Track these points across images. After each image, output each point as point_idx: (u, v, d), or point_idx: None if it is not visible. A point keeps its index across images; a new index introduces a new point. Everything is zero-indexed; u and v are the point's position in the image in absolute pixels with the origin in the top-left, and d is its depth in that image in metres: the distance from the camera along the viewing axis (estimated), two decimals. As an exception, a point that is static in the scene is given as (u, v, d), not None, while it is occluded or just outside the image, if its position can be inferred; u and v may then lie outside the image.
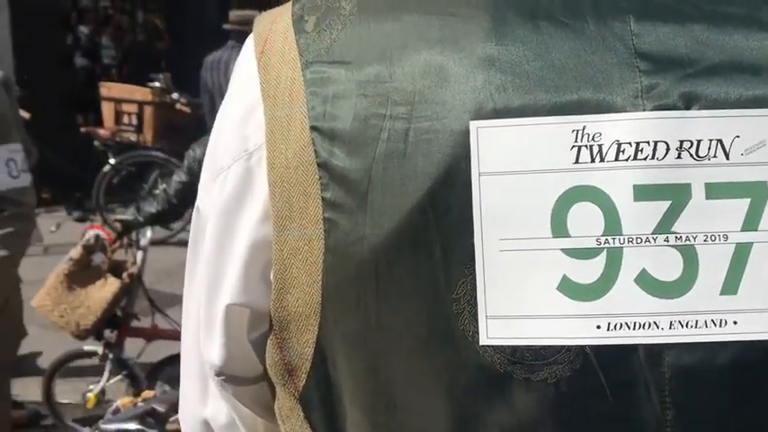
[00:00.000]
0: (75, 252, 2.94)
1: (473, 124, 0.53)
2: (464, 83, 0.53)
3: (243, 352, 0.62)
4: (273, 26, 0.60)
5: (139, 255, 3.06)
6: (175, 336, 3.15)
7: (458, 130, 0.53)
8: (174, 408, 1.35)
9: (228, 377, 0.63)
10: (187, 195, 2.74)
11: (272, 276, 0.58)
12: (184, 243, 3.48)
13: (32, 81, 5.10)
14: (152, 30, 9.18)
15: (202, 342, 0.63)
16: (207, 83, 5.16)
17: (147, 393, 1.44)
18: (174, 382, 3.04)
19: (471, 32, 0.55)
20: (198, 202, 0.65)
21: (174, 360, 3.16)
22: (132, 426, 1.27)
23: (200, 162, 2.66)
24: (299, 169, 0.55)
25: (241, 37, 5.15)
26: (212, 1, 8.26)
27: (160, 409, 1.35)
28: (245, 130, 0.60)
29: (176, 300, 4.31)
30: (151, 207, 2.77)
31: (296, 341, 0.57)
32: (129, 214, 2.87)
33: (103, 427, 1.30)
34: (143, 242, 3.08)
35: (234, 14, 5.33)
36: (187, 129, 6.19)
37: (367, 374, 0.56)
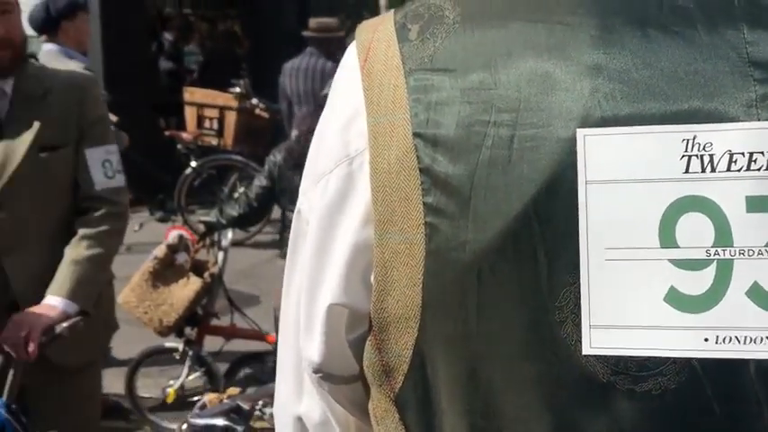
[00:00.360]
0: (160, 251, 3.05)
1: (580, 132, 0.53)
2: (571, 90, 0.53)
3: (341, 351, 0.64)
4: (376, 34, 0.62)
5: (220, 255, 3.15)
6: (253, 335, 3.23)
7: (564, 138, 0.53)
8: (265, 404, 1.39)
9: (326, 375, 0.65)
10: (267, 200, 2.81)
11: (372, 279, 0.59)
12: (260, 245, 3.61)
13: (120, 86, 5.34)
14: (232, 36, 9.44)
15: (302, 339, 0.65)
16: (285, 89, 5.26)
17: (232, 391, 1.48)
18: (251, 380, 3.11)
19: (578, 40, 0.55)
20: (299, 205, 0.67)
21: (251, 359, 3.24)
22: (219, 421, 1.31)
23: (280, 167, 2.72)
24: (401, 174, 0.57)
25: (319, 44, 5.24)
26: (291, 8, 8.43)
27: (244, 406, 1.38)
28: (347, 136, 0.61)
29: (252, 300, 4.42)
30: (233, 210, 2.85)
31: (394, 343, 0.58)
32: (211, 216, 2.96)
33: (192, 421, 1.35)
34: (224, 243, 3.17)
35: (313, 22, 5.43)
36: (265, 133, 6.34)
37: (466, 378, 0.56)
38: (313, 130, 2.41)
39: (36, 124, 1.82)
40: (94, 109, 1.92)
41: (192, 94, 6.42)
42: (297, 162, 2.69)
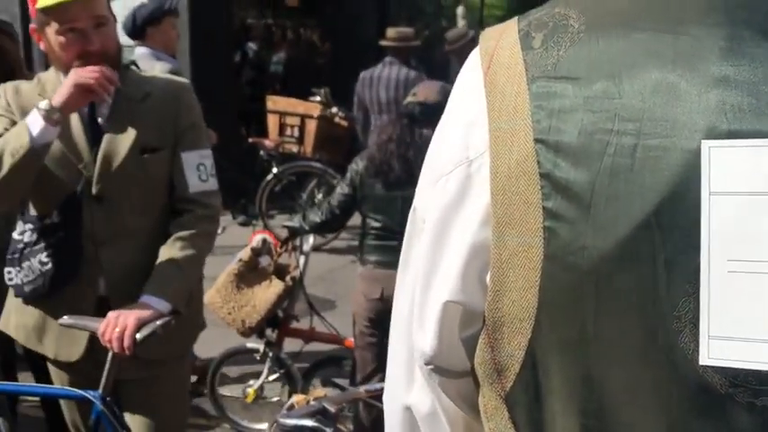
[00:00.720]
0: (245, 254, 3.14)
1: (705, 144, 0.52)
2: (696, 102, 0.53)
3: (453, 347, 0.66)
4: (500, 42, 0.63)
5: (302, 259, 3.21)
6: (331, 339, 3.27)
7: (688, 149, 0.53)
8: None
9: (437, 368, 0.66)
10: (349, 207, 2.84)
11: (488, 279, 0.60)
12: (336, 251, 3.65)
13: (206, 94, 5.51)
14: (312, 45, 9.62)
15: (415, 332, 0.67)
16: (362, 98, 5.33)
17: (318, 393, 1.51)
18: (328, 383, 3.15)
19: (705, 51, 0.55)
20: (415, 203, 0.69)
21: (329, 362, 3.28)
22: (308, 422, 1.34)
23: (362, 175, 2.75)
24: (521, 179, 0.58)
25: (397, 53, 5.29)
26: (371, 17, 8.53)
27: (331, 408, 1.41)
28: (467, 139, 0.63)
29: (328, 304, 4.47)
30: (316, 216, 2.90)
31: (507, 342, 0.59)
32: (294, 222, 3.02)
33: (281, 421, 1.38)
34: (306, 248, 3.23)
35: (391, 31, 5.48)
36: (343, 141, 6.43)
37: (580, 381, 0.57)
38: (394, 138, 2.44)
39: (136, 127, 1.90)
40: (190, 114, 1.99)
41: (275, 102, 6.57)
42: (378, 170, 2.72)
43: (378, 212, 2.72)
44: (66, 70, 1.84)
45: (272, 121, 6.51)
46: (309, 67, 9.04)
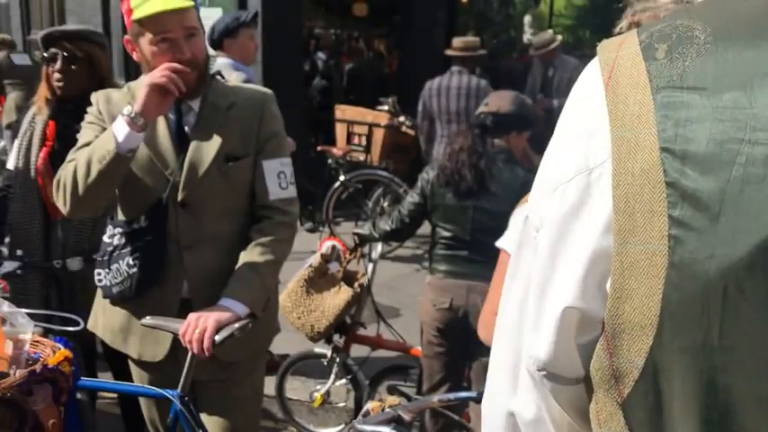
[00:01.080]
0: (315, 260, 3.19)
1: None
2: None
3: (569, 353, 0.66)
4: (620, 53, 0.64)
5: (370, 267, 3.24)
6: (398, 347, 3.29)
7: None
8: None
9: (550, 374, 0.67)
10: (419, 216, 2.85)
11: (608, 285, 0.61)
12: (401, 259, 3.65)
13: (277, 103, 5.62)
14: (380, 55, 9.69)
15: (528, 337, 0.68)
16: (429, 107, 5.34)
17: (393, 401, 1.52)
18: (394, 391, 3.17)
19: None
20: (526, 212, 0.71)
21: (395, 370, 3.30)
22: (384, 429, 1.36)
23: (432, 184, 2.76)
24: (645, 187, 0.58)
25: (463, 62, 5.29)
26: (439, 27, 8.54)
27: (406, 416, 1.42)
28: (587, 148, 0.64)
29: (393, 312, 4.49)
30: (386, 225, 2.92)
31: (627, 349, 0.60)
32: (364, 229, 3.05)
33: (358, 427, 1.41)
34: (374, 256, 3.26)
35: (456, 41, 5.49)
36: (410, 150, 6.45)
37: (703, 389, 0.57)
38: (465, 148, 2.44)
39: (221, 135, 1.97)
40: (272, 123, 2.04)
41: (343, 111, 6.65)
42: (449, 179, 2.72)
43: (448, 222, 2.73)
44: None
45: (340, 130, 6.59)
46: (377, 77, 9.11)
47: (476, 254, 2.68)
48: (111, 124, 1.93)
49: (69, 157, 1.96)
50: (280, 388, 3.44)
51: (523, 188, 2.54)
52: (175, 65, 1.82)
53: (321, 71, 8.62)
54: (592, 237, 0.63)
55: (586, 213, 0.63)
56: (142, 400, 2.22)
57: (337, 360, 3.32)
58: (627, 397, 0.60)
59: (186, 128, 1.99)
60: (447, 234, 2.74)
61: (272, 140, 2.03)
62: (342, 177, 6.08)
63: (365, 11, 9.17)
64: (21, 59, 7.62)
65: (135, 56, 1.94)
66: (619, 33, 0.77)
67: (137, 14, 1.84)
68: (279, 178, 2.02)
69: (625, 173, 0.60)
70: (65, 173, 1.90)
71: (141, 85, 1.86)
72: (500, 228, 2.24)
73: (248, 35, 3.71)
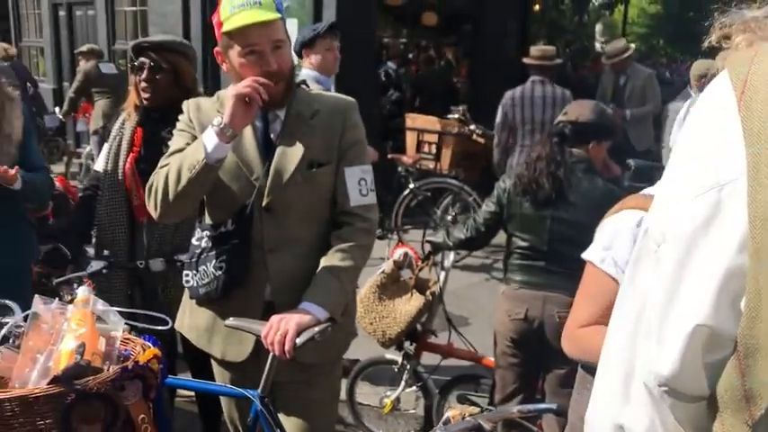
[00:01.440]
0: (388, 266, 3.21)
1: None
2: None
3: (695, 371, 0.65)
4: (752, 68, 0.63)
5: (442, 275, 3.24)
6: (469, 356, 3.27)
7: None
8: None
9: (672, 390, 0.66)
10: (495, 225, 2.83)
11: (742, 304, 0.60)
12: (470, 268, 3.63)
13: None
14: (449, 64, 9.70)
15: (648, 351, 0.67)
16: (511, 117, 5.31)
17: (472, 410, 1.52)
18: (464, 400, 3.15)
19: None
20: (646, 225, 0.70)
21: (466, 379, 3.28)
22: (467, 437, 1.36)
23: (509, 193, 2.74)
24: None
25: (542, 71, 5.25)
26: (510, 36, 8.48)
27: (486, 426, 1.42)
28: (717, 163, 0.63)
29: (461, 321, 4.47)
30: (460, 233, 2.91)
31: (761, 369, 0.59)
32: (438, 237, 3.05)
33: (440, 433, 1.41)
34: (446, 264, 3.26)
35: (535, 50, 5.45)
36: (480, 158, 6.43)
37: None
38: (543, 157, 2.41)
39: (305, 143, 2.01)
40: (354, 131, 2.08)
41: (413, 119, 6.68)
42: (526, 188, 2.70)
43: (525, 231, 2.71)
44: None
45: (410, 138, 6.62)
46: (446, 86, 9.12)
47: (553, 264, 2.64)
48: (200, 132, 2.00)
49: (161, 163, 2.04)
50: (350, 392, 3.47)
51: (604, 199, 2.49)
52: (260, 78, 1.87)
53: (391, 80, 8.68)
54: (725, 254, 0.61)
55: (717, 230, 0.62)
56: (223, 399, 2.27)
57: (408, 367, 3.32)
58: (758, 419, 0.59)
59: (272, 135, 2.04)
60: (523, 244, 2.71)
61: (353, 148, 2.06)
62: (411, 185, 6.10)
63: (434, 20, 9.20)
64: (108, 69, 7.97)
65: (224, 67, 2.00)
66: (709, 47, 0.75)
67: (226, 27, 1.90)
68: (359, 185, 2.05)
69: (762, 190, 0.58)
70: (157, 179, 1.98)
71: (228, 96, 1.92)
72: (579, 238, 2.20)
73: (325, 46, 3.77)
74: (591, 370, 1.64)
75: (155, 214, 2.02)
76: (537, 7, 9.39)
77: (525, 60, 5.46)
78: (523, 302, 2.68)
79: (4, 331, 1.80)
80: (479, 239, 2.90)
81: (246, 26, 1.86)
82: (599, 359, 1.55)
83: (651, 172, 6.00)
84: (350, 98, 2.15)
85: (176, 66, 2.81)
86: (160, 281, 2.82)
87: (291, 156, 2.00)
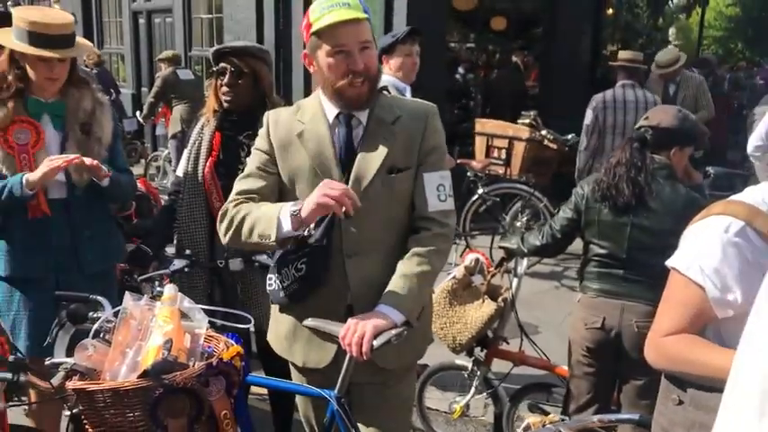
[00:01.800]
0: (459, 272, 3.20)
1: None
2: None
3: None
4: None
5: (515, 282, 3.21)
6: (541, 365, 3.22)
7: None
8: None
9: None
10: (572, 232, 2.79)
11: None
12: (539, 275, 3.58)
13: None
14: (519, 68, 9.60)
15: None
16: (600, 121, 5.23)
17: (553, 417, 1.50)
18: (535, 409, 3.11)
19: None
20: None
21: (538, 388, 3.24)
22: (551, 444, 1.35)
23: (587, 199, 2.70)
24: None
25: (630, 75, 5.19)
26: (584, 40, 8.34)
27: (567, 433, 1.40)
28: None
29: (531, 328, 4.41)
30: (536, 240, 2.88)
31: None
32: (512, 243, 3.03)
33: (523, 439, 1.40)
34: (520, 270, 3.23)
35: (625, 53, 5.43)
36: (551, 164, 6.35)
37: None
38: (623, 162, 2.37)
39: (386, 148, 2.02)
40: (434, 137, 2.08)
41: (483, 124, 6.65)
42: (605, 194, 2.65)
43: (603, 239, 2.65)
44: (331, 91, 2.01)
45: (480, 143, 6.58)
46: (516, 90, 9.03)
47: (632, 272, 2.58)
48: (277, 148, 2.06)
49: (236, 188, 2.11)
50: (419, 397, 3.47)
51: (687, 207, 2.43)
52: (351, 194, 1.89)
53: (460, 85, 8.66)
54: None
55: None
56: (299, 398, 2.31)
57: (478, 373, 3.30)
58: None
59: (354, 141, 2.06)
60: (601, 251, 2.66)
61: (433, 154, 2.07)
62: (480, 190, 6.07)
63: (503, 24, 9.13)
64: (185, 75, 8.22)
65: (311, 69, 2.04)
66: None
67: (315, 27, 1.94)
68: (438, 191, 2.05)
69: None
70: (230, 217, 2.04)
71: (311, 197, 1.91)
72: (659, 246, 2.15)
73: (405, 51, 3.80)
74: (676, 380, 1.60)
75: (223, 239, 2.10)
76: (610, 11, 9.19)
77: (614, 63, 5.41)
78: (600, 311, 2.63)
79: (96, 326, 1.88)
80: (555, 247, 2.86)
81: (335, 25, 1.90)
82: (685, 368, 1.52)
83: (731, 179, 5.81)
84: (431, 103, 2.16)
85: (256, 70, 2.88)
86: (239, 280, 2.90)
87: (372, 161, 2.02)
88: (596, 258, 2.68)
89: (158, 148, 10.09)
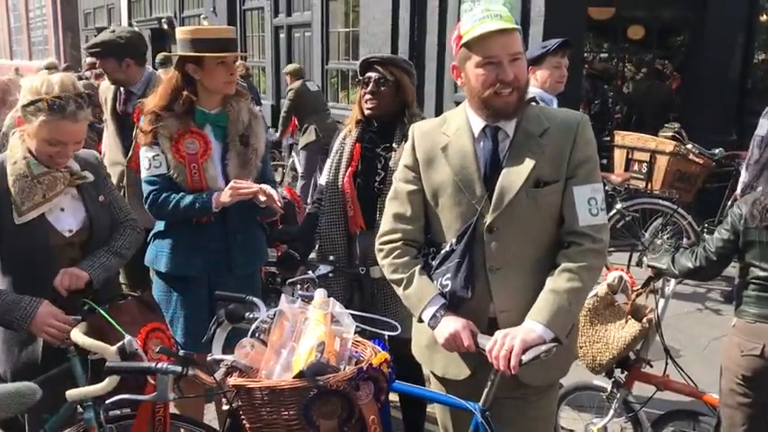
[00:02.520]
0: (601, 290, 3.09)
1: None
2: None
3: None
4: None
5: (661, 302, 3.07)
6: (687, 391, 3.06)
7: None
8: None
9: None
10: (728, 255, 2.63)
11: None
12: (681, 296, 3.35)
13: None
14: (658, 79, 9.21)
15: None
16: None
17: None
18: (680, 437, 2.94)
19: None
20: None
21: (683, 415, 3.07)
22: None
23: (745, 220, 2.53)
24: None
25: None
26: (736, 49, 7.85)
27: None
28: None
29: (674, 352, 4.17)
30: (688, 261, 2.74)
31: None
32: (662, 263, 2.89)
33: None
34: (668, 291, 3.08)
35: None
36: (696, 180, 6.01)
37: None
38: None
39: (532, 161, 2.00)
40: (585, 148, 2.03)
41: (623, 137, 6.41)
42: (763, 216, 2.48)
43: (764, 261, 2.48)
44: (478, 102, 2.01)
45: (619, 156, 6.35)
46: (656, 101, 8.66)
47: (797, 297, 2.40)
48: (422, 161, 2.10)
49: (387, 209, 2.21)
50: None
51: None
52: (473, 347, 1.99)
53: (596, 96, 8.42)
54: None
55: None
56: (437, 408, 2.32)
57: (617, 396, 3.17)
58: None
59: (500, 154, 2.05)
60: (762, 274, 2.49)
61: (584, 165, 2.02)
62: (618, 205, 5.85)
63: (641, 33, 8.79)
64: (312, 86, 8.56)
65: (459, 81, 2.06)
66: None
67: (466, 38, 1.96)
68: (589, 204, 2.00)
69: None
70: (392, 266, 2.16)
71: (445, 331, 2.01)
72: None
73: (554, 63, 3.74)
74: None
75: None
76: (765, 17, 8.61)
77: None
78: (760, 338, 2.46)
79: (254, 326, 1.98)
80: (710, 270, 2.70)
81: (486, 35, 1.91)
82: None
83: None
84: (581, 113, 2.12)
85: (400, 80, 2.94)
86: (378, 287, 2.95)
87: (517, 175, 2.00)
88: (756, 281, 2.51)
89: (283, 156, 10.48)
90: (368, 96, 2.95)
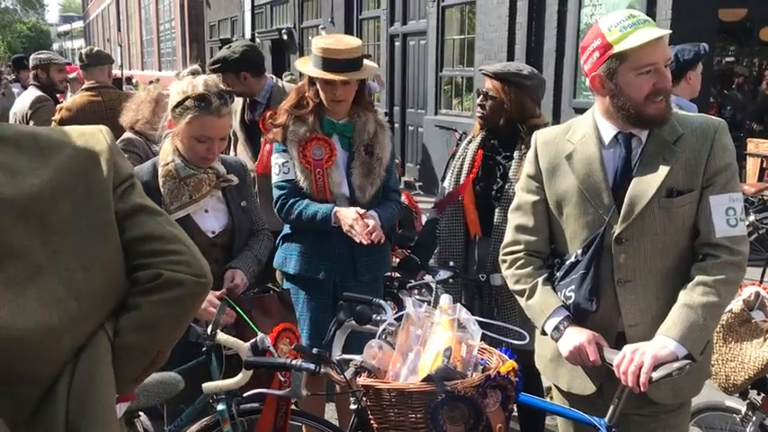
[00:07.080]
0: (736, 306, 2.93)
1: None
2: None
3: None
4: None
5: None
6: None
7: None
8: None
9: None
10: None
11: None
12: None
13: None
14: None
15: None
16: None
17: None
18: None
19: None
20: None
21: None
22: None
23: None
24: None
25: None
26: None
27: None
28: None
29: None
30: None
31: None
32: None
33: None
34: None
35: None
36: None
37: None
38: None
39: (664, 169, 1.92)
40: (722, 156, 1.93)
41: (757, 144, 6.05)
42: None
43: None
44: (627, 112, 1.93)
45: (753, 165, 6.01)
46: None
47: None
48: (546, 167, 2.06)
49: (511, 221, 2.18)
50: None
51: None
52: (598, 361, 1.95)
53: (726, 101, 7.99)
54: None
55: None
56: (561, 421, 2.28)
57: (753, 419, 2.99)
58: None
59: (631, 162, 1.99)
60: None
61: (721, 174, 1.93)
62: (751, 217, 5.52)
63: (773, 34, 8.26)
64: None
65: (601, 92, 1.97)
66: None
67: (620, 47, 1.88)
68: (727, 214, 1.91)
69: None
70: (515, 276, 2.15)
71: (570, 343, 1.98)
72: None
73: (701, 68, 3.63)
74: None
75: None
76: None
77: None
78: None
79: (381, 328, 2.02)
80: None
81: (646, 43, 1.85)
82: None
83: None
84: (718, 119, 2.02)
85: (507, 94, 2.89)
86: (498, 295, 2.93)
87: (649, 184, 1.93)
88: None
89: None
90: (478, 108, 2.99)
